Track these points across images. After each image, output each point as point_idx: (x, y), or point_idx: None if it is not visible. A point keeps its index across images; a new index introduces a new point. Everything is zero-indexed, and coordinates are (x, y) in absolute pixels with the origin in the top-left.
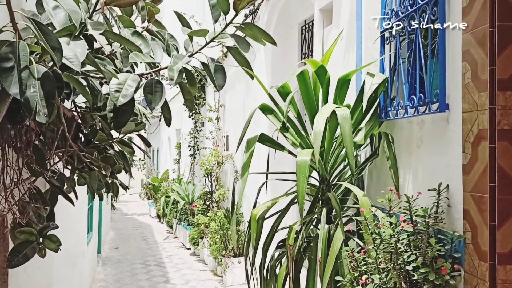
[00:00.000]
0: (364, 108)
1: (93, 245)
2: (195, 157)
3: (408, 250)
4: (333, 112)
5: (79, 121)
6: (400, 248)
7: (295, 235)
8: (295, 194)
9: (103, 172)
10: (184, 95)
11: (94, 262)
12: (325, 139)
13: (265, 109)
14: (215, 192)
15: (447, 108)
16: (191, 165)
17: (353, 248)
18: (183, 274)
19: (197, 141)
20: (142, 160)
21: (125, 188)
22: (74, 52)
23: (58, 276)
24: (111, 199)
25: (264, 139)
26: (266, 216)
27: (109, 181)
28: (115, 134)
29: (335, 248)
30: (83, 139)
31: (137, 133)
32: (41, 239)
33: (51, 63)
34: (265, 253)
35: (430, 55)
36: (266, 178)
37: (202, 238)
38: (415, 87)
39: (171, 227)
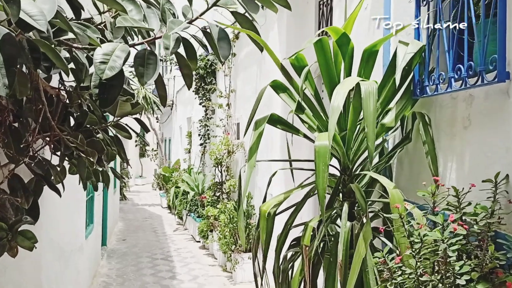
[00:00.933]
0: (396, 84)
1: (94, 238)
2: (205, 146)
3: (460, 258)
4: (358, 86)
5: (66, 101)
6: (450, 256)
7: (311, 233)
8: (312, 185)
9: (91, 159)
10: (182, 69)
11: (96, 256)
12: (347, 120)
13: (277, 87)
14: (225, 183)
15: (507, 78)
16: (202, 154)
17: (385, 254)
18: (190, 269)
19: (208, 129)
20: (155, 150)
21: (120, 178)
22: (39, 8)
23: (48, 274)
24: (121, 189)
25: (275, 120)
26: (278, 212)
27: (100, 169)
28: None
29: (361, 250)
30: (73, 122)
31: (134, 116)
32: (11, 236)
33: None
34: (278, 254)
35: (483, 14)
36: (289, 166)
37: (211, 231)
38: (461, 55)
39: (181, 218)
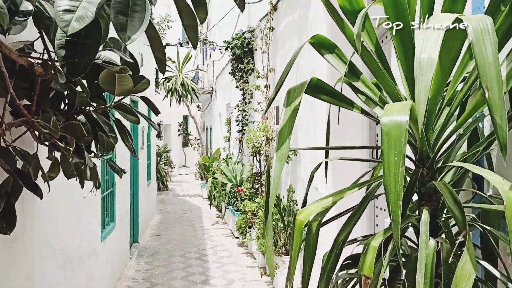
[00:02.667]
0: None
1: (118, 238)
2: (243, 134)
3: None
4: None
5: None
6: None
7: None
8: (373, 184)
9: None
10: (184, 19)
11: (122, 257)
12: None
13: (321, 45)
14: (264, 174)
15: None
16: (240, 142)
17: None
18: (226, 271)
19: (246, 115)
20: (198, 140)
21: (120, 171)
22: None
23: (47, 284)
24: (164, 180)
25: (318, 88)
26: (324, 220)
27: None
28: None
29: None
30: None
31: (140, 94)
32: None
33: None
34: (327, 279)
35: None
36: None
37: (250, 227)
38: None
39: (220, 211)
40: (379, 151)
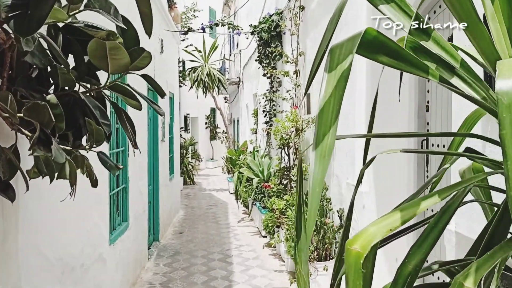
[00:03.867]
0: None
1: (133, 238)
2: (271, 125)
3: None
4: None
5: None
6: None
7: None
8: (463, 191)
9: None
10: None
11: (139, 259)
12: None
13: None
14: (293, 168)
15: None
16: (267, 134)
17: None
18: (251, 276)
19: (274, 104)
20: (225, 132)
21: (114, 168)
22: None
23: None
24: (190, 173)
25: (376, 45)
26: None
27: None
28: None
29: None
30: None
31: (141, 73)
32: None
33: None
34: None
35: None
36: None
37: (278, 226)
38: None
39: (246, 207)
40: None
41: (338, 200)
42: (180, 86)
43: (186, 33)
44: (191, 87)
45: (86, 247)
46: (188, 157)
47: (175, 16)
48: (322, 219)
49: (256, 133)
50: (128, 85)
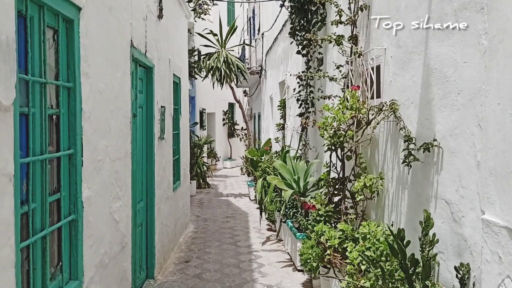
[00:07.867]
0: None
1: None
2: (307, 117)
3: None
4: None
5: None
6: None
7: None
8: None
9: None
10: None
11: None
12: None
13: None
14: (351, 181)
15: None
16: (303, 130)
17: None
18: None
19: (311, 91)
20: (244, 129)
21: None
22: None
23: None
24: (204, 176)
25: None
26: None
27: None
28: None
29: None
30: None
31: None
32: None
33: None
34: None
35: None
36: None
37: (327, 267)
38: None
39: (272, 222)
40: None
41: (452, 246)
42: (195, 78)
43: None
44: (206, 76)
45: None
46: (204, 157)
47: None
48: (424, 282)
49: (283, 129)
50: None
